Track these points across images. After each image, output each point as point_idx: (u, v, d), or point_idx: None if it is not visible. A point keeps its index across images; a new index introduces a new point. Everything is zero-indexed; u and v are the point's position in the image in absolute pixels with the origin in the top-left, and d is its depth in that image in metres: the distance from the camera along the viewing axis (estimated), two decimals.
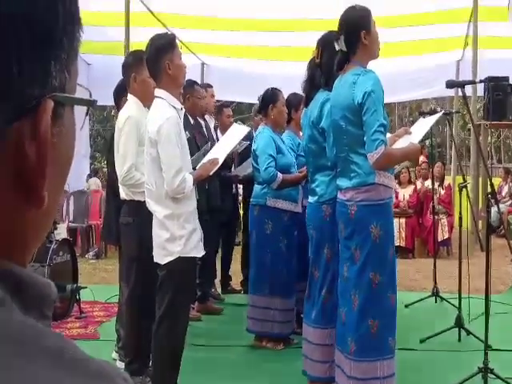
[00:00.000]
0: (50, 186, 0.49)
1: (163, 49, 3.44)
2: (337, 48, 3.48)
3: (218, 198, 5.58)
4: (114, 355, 4.44)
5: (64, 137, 0.51)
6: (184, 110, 3.65)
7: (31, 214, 0.49)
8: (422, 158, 9.90)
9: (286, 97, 5.14)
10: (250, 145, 5.01)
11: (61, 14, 0.48)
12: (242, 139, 4.62)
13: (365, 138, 3.29)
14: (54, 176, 0.50)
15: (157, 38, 3.53)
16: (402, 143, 3.62)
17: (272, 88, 5.12)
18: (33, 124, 0.47)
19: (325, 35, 3.93)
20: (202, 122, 5.87)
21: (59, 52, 0.49)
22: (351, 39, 3.43)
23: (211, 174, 3.63)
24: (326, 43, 3.86)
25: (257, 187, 5.01)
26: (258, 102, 5.62)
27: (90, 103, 0.55)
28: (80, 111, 0.57)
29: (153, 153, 3.39)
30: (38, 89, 0.47)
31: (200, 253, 3.51)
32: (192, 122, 5.51)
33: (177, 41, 3.62)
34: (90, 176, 11.28)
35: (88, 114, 0.59)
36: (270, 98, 5.02)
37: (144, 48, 3.60)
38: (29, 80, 0.47)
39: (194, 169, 3.65)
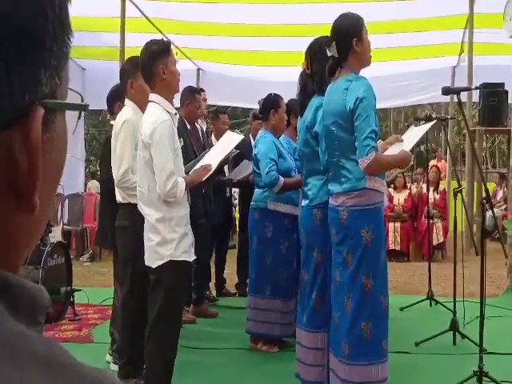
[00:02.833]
0: (41, 191, 0.49)
1: (158, 54, 3.43)
2: (328, 54, 3.48)
3: (212, 202, 5.59)
4: (108, 358, 4.44)
5: (55, 143, 0.51)
6: (178, 114, 3.64)
7: (22, 220, 0.49)
8: (434, 162, 9.87)
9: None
10: (240, 152, 4.96)
11: (50, 19, 0.47)
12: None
13: (356, 144, 3.31)
14: (46, 182, 0.50)
15: (151, 44, 3.51)
16: (392, 150, 3.64)
17: (274, 94, 5.11)
18: (23, 131, 0.47)
19: (311, 44, 3.94)
20: (199, 127, 5.90)
21: (49, 58, 0.48)
22: (343, 46, 3.43)
23: (204, 179, 3.63)
24: (313, 52, 3.87)
25: (257, 191, 5.01)
26: (257, 105, 5.59)
27: (81, 108, 0.54)
28: (73, 116, 0.56)
29: (146, 156, 3.39)
30: (28, 96, 0.47)
31: (191, 257, 3.49)
32: (189, 127, 5.54)
33: (172, 47, 3.60)
34: (86, 179, 11.27)
35: (80, 118, 0.57)
36: (272, 103, 5.01)
37: (139, 54, 3.60)
38: (18, 87, 0.46)
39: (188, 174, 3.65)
